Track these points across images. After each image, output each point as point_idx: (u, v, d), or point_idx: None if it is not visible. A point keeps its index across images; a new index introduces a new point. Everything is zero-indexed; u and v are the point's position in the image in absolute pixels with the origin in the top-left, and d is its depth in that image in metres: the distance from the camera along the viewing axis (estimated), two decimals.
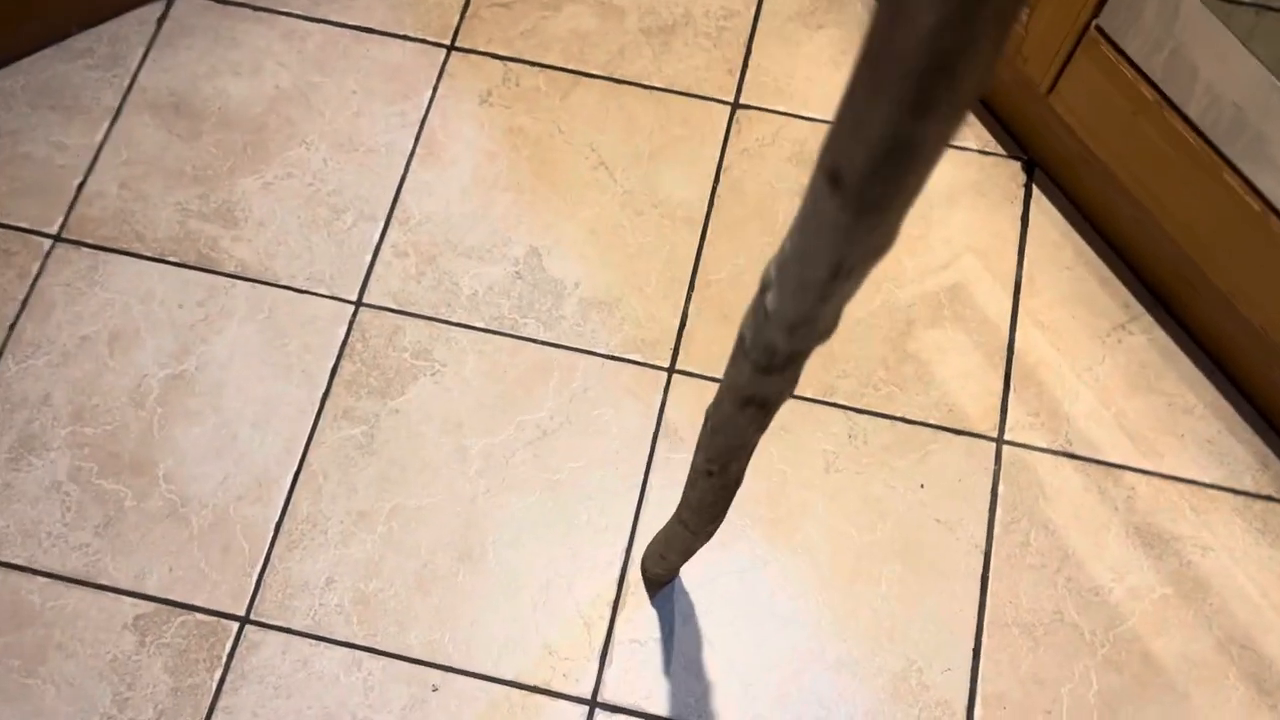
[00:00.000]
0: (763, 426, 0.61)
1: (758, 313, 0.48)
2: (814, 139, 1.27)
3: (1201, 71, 0.93)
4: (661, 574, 1.03)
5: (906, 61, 0.30)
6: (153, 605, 1.03)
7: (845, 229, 0.37)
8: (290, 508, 1.07)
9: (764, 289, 0.46)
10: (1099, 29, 1.01)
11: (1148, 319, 1.18)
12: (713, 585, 1.06)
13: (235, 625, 1.03)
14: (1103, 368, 1.16)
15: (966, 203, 1.24)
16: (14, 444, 1.09)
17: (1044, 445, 1.12)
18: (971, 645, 1.04)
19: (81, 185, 1.21)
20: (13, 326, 1.14)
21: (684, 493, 0.80)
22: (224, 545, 1.06)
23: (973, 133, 1.27)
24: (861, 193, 0.35)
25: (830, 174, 0.36)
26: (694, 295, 1.18)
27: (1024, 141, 1.25)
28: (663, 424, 1.12)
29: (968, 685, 1.02)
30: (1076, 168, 1.19)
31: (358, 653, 1.02)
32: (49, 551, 1.05)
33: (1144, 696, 1.02)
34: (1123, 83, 1.00)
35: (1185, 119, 0.96)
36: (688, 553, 0.92)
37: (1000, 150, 1.27)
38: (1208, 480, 1.11)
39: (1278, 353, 1.04)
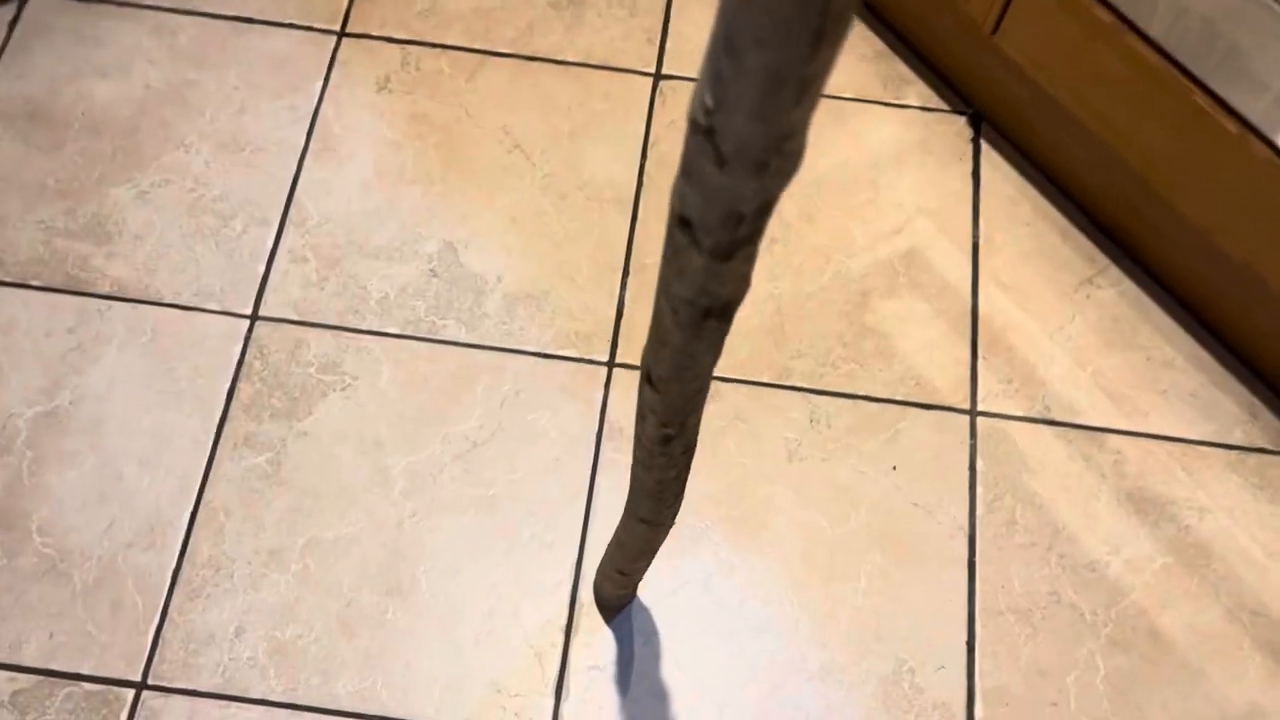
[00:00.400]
0: (720, 346, 0.50)
1: (702, 170, 0.36)
2: None
3: None
4: (620, 595, 0.91)
5: None
6: (33, 678, 0.89)
7: None
8: (189, 552, 0.94)
9: (706, 130, 0.35)
10: None
11: (1115, 270, 1.10)
12: (674, 598, 0.94)
13: (131, 692, 0.89)
14: (1074, 326, 1.08)
15: (913, 163, 1.15)
16: None
17: (1020, 414, 1.03)
18: (965, 638, 0.94)
19: None
20: None
21: (634, 483, 0.68)
22: (113, 601, 0.92)
23: (913, 90, 1.19)
24: None
25: None
26: (630, 281, 1.08)
27: (968, 93, 1.17)
28: (606, 423, 1.01)
29: (965, 683, 0.92)
30: (1027, 115, 1.11)
31: (277, 711, 0.89)
32: None
33: (1156, 677, 0.93)
34: (1076, 8, 0.92)
35: (1147, 40, 0.88)
36: (649, 553, 0.81)
37: (943, 105, 1.18)
38: (1196, 437, 1.03)
39: (1261, 290, 0.96)
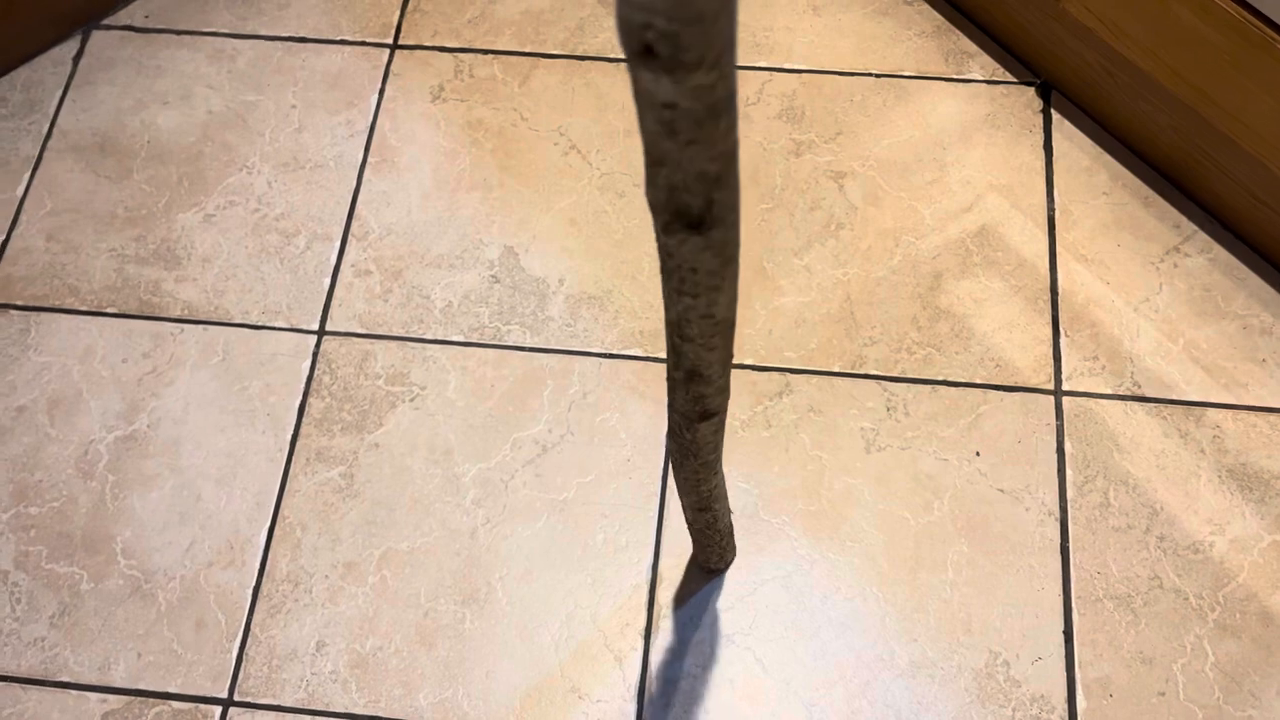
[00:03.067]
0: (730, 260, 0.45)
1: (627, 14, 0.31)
2: (803, 92, 1.15)
3: None
4: (706, 542, 0.86)
5: None
6: (122, 699, 0.90)
7: None
8: (268, 569, 0.94)
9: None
10: None
11: (1203, 237, 1.05)
12: (754, 596, 0.92)
13: (218, 709, 0.90)
14: (1161, 297, 1.03)
15: (981, 139, 1.11)
16: None
17: (1109, 391, 0.99)
18: (1062, 628, 0.90)
19: (5, 244, 1.09)
20: None
21: (678, 456, 0.66)
22: (197, 620, 0.93)
23: (977, 64, 1.15)
24: None
25: None
26: None
27: (1035, 63, 1.13)
28: None
29: (1064, 674, 0.88)
30: (1099, 81, 1.06)
31: None
32: (1, 651, 0.92)
33: (1270, 662, 0.88)
34: None
35: None
36: (719, 496, 0.77)
37: (1010, 77, 1.14)
38: None
39: None
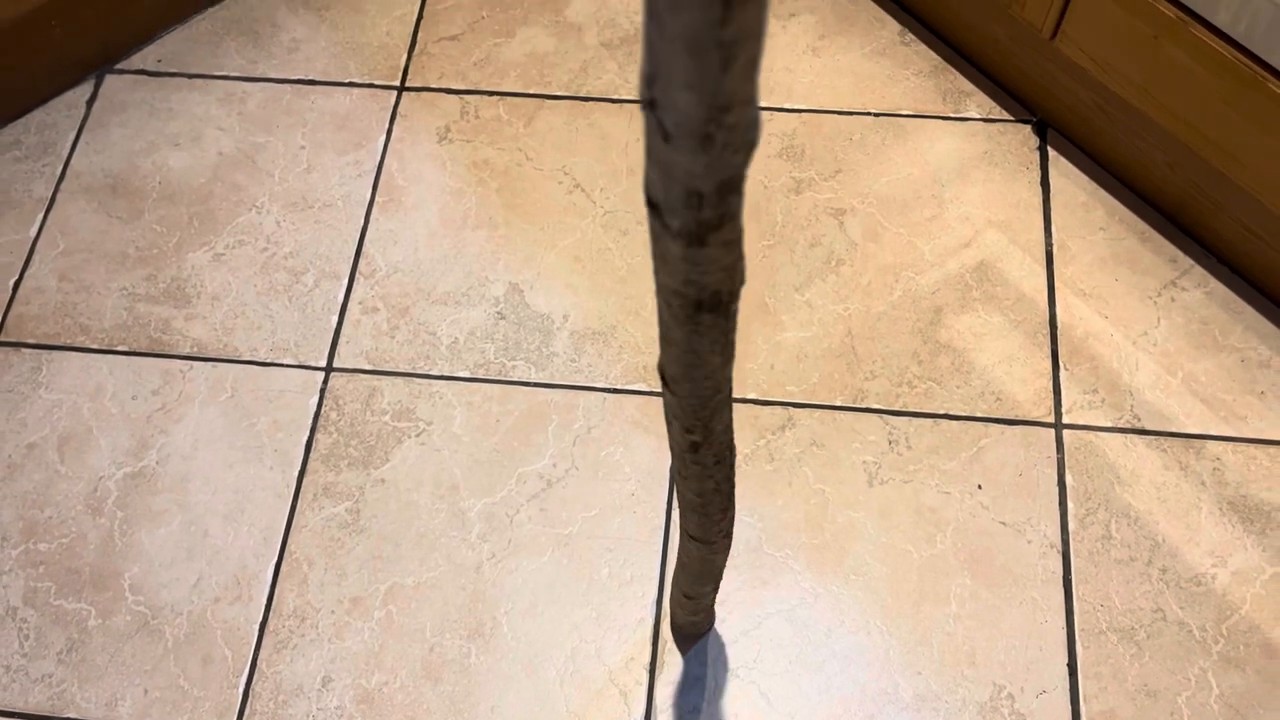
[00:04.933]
0: (728, 344, 0.49)
1: (654, 146, 0.36)
2: (802, 131, 1.17)
3: None
4: (694, 621, 0.89)
5: None
6: None
7: None
8: (274, 604, 0.95)
9: (649, 103, 0.34)
10: None
11: (1199, 270, 1.06)
12: (759, 630, 0.92)
13: None
14: (1159, 330, 1.04)
15: (979, 175, 1.13)
16: None
17: (1109, 424, 1.00)
18: (1065, 660, 0.90)
19: (17, 283, 1.11)
20: None
21: (680, 498, 0.67)
22: (204, 656, 0.93)
23: (973, 102, 1.17)
24: None
25: None
26: None
27: (1031, 101, 1.15)
28: None
29: (1069, 707, 0.88)
30: (1094, 118, 1.08)
31: None
32: (9, 688, 0.92)
33: (1275, 695, 0.88)
34: (1136, 4, 0.89)
35: (1216, 31, 0.85)
36: (711, 577, 0.79)
37: (1006, 115, 1.16)
38: None
39: None
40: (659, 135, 0.35)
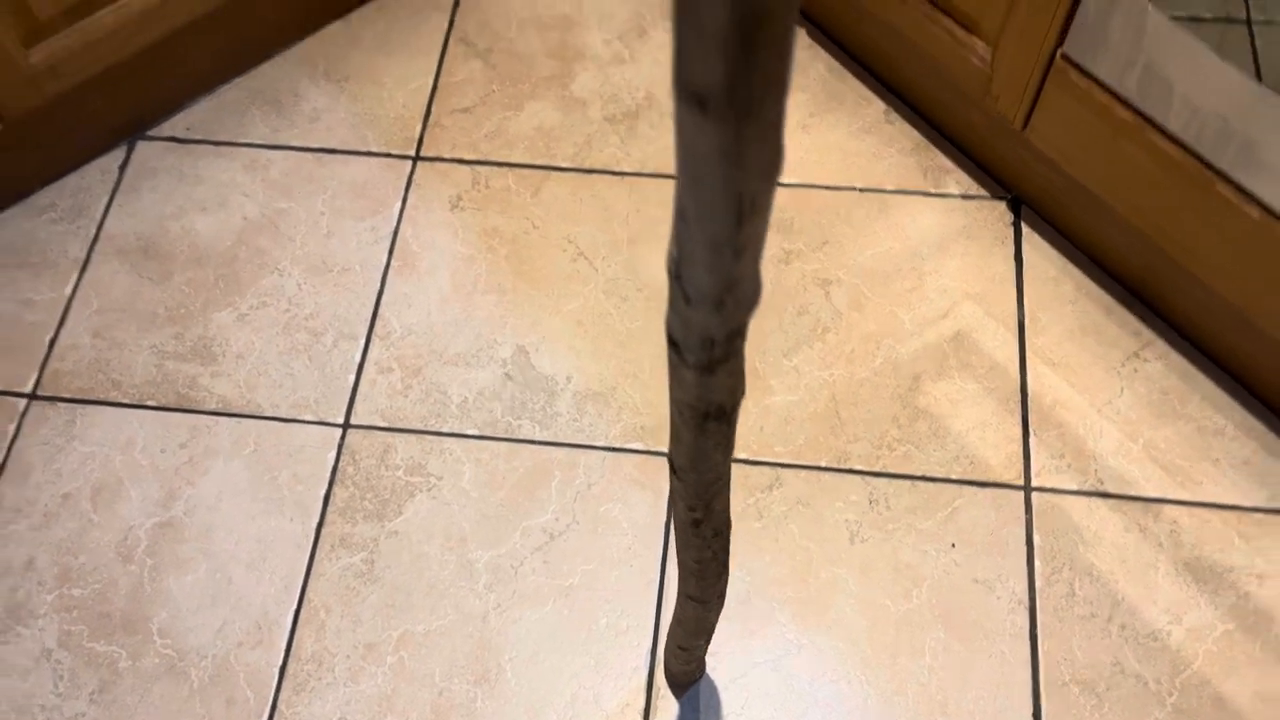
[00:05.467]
0: (729, 443, 0.57)
1: (678, 305, 0.45)
2: (792, 204, 1.24)
3: (1177, 86, 0.90)
4: (687, 670, 0.96)
5: None
6: None
7: (730, 153, 0.35)
8: (294, 648, 1.01)
9: (676, 275, 0.43)
10: (1065, 57, 0.99)
11: (1161, 344, 1.14)
12: (746, 679, 0.99)
13: None
14: (1123, 400, 1.11)
15: (957, 249, 1.21)
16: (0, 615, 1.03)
17: (1074, 488, 1.07)
18: (1030, 709, 0.97)
19: (53, 340, 1.18)
20: None
21: (679, 563, 0.75)
22: (227, 698, 0.99)
23: (953, 179, 1.25)
24: (732, 97, 0.32)
25: (692, 97, 0.33)
26: None
27: (1006, 181, 1.23)
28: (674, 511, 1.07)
29: None
30: (1064, 200, 1.16)
31: None
32: None
33: None
34: (1098, 107, 0.97)
35: (1168, 135, 0.94)
36: (705, 631, 0.86)
37: (984, 192, 1.24)
38: (1251, 504, 1.05)
39: None
40: (682, 298, 0.44)
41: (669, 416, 0.58)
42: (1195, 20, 0.88)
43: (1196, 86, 0.89)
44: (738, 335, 0.47)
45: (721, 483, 0.62)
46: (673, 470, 0.62)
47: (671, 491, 0.65)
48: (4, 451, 1.12)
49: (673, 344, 0.48)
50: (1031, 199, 1.21)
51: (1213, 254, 0.96)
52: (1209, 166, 0.91)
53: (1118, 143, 0.98)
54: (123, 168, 1.29)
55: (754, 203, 0.38)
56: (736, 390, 0.52)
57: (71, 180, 1.28)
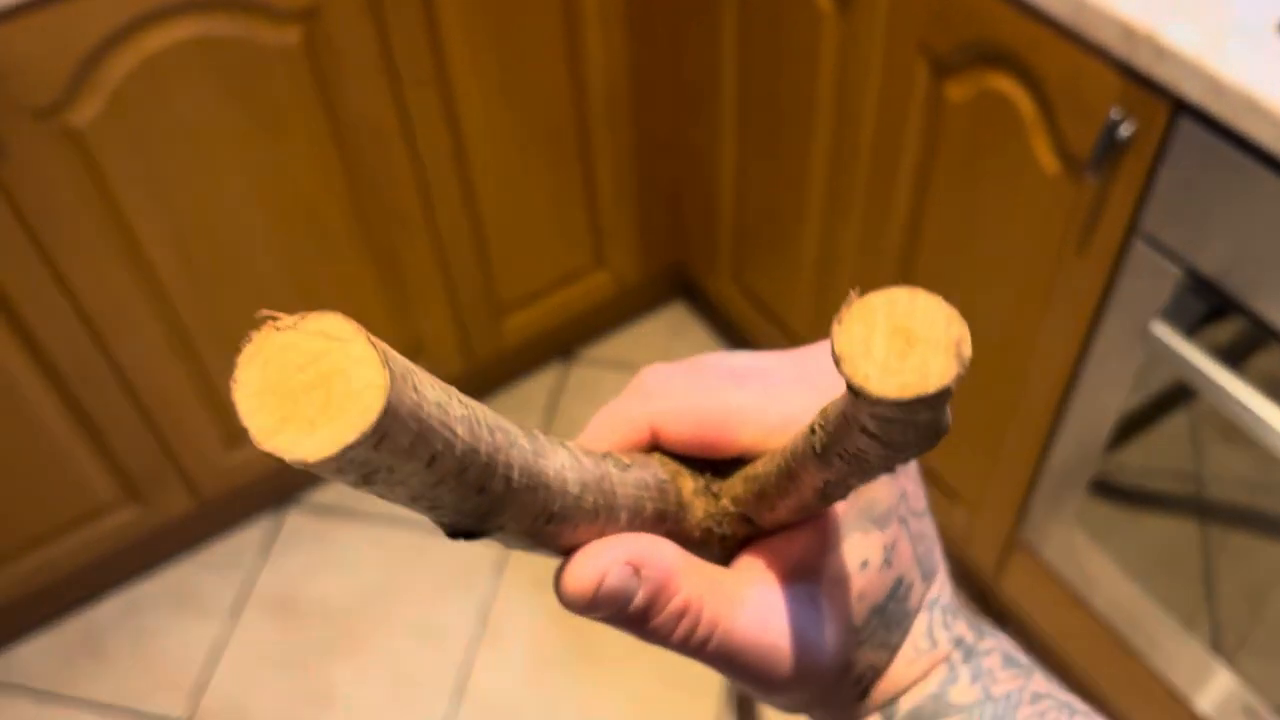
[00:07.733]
0: None
1: None
2: None
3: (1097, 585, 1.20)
4: None
5: None
6: None
7: None
8: None
9: None
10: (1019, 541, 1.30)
11: None
12: None
13: None
14: None
15: None
16: None
17: None
18: None
19: (206, 679, 1.45)
20: None
21: None
22: None
23: None
24: None
25: None
26: None
27: (985, 608, 1.51)
28: None
29: None
30: (1036, 638, 1.43)
31: None
32: None
33: None
34: (1057, 580, 1.27)
35: (1097, 620, 1.22)
36: None
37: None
38: None
39: None
40: None
41: None
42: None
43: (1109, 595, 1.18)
44: None
45: None
46: None
47: None
48: None
49: None
50: (1009, 631, 1.48)
51: (1137, 713, 1.23)
52: (1128, 644, 1.19)
53: (1074, 609, 1.26)
54: (272, 530, 1.60)
55: None
56: None
57: (234, 538, 1.59)
